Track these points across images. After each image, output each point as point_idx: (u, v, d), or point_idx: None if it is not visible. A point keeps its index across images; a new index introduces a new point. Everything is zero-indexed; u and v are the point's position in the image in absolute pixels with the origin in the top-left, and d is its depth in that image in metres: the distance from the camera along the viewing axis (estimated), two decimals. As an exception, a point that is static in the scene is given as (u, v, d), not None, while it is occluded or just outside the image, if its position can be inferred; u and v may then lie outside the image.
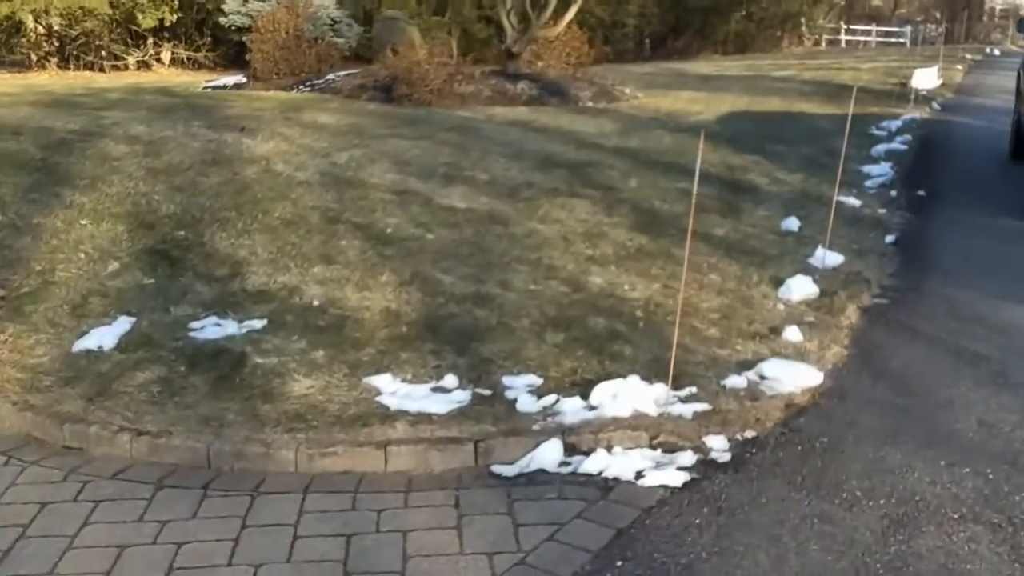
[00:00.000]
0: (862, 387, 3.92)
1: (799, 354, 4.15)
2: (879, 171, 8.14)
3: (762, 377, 3.88)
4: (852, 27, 42.52)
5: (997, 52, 27.09)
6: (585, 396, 3.65)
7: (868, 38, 43.38)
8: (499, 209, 6.11)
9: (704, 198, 6.70)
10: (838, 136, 9.15)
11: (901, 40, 45.22)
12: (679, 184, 7.11)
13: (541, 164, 7.59)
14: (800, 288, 4.86)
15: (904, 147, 9.57)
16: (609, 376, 3.77)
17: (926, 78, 15.14)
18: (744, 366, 3.99)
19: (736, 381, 3.85)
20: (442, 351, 4.03)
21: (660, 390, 3.68)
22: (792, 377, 3.88)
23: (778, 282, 5.00)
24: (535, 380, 3.80)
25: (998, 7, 54.33)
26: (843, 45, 40.93)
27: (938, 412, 3.70)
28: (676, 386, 3.73)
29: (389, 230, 5.56)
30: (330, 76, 14.39)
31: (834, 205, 5.58)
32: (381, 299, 4.55)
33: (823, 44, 39.63)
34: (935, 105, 13.29)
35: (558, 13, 14.16)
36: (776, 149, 8.94)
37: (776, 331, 4.38)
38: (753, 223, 6.27)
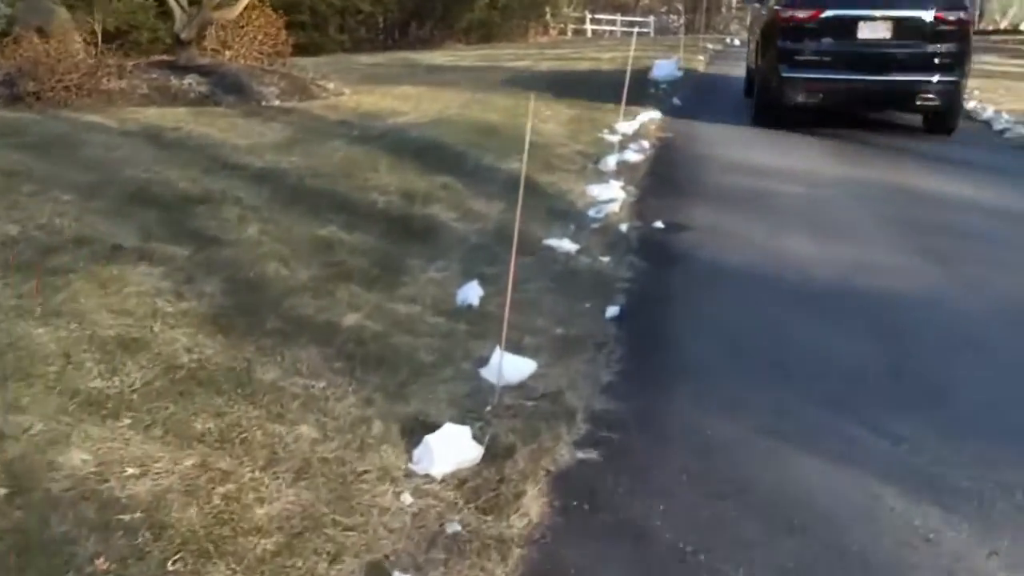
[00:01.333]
0: None
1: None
2: (607, 194, 6.25)
3: None
4: (597, 16, 42.05)
5: (737, 42, 26.71)
6: None
7: (613, 28, 43.10)
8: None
9: (353, 254, 4.52)
10: (562, 145, 7.25)
11: (645, 30, 45.39)
12: (323, 229, 4.89)
13: (128, 200, 5.15)
14: (443, 458, 2.74)
15: (639, 156, 7.82)
16: None
17: (666, 69, 13.74)
18: None
19: None
20: None
21: None
22: None
23: (412, 437, 2.86)
24: None
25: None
26: (589, 34, 40.32)
27: None
28: None
29: None
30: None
31: (513, 263, 3.44)
32: None
33: (569, 33, 38.82)
34: (675, 101, 11.81)
35: (231, -10, 11.66)
36: (480, 165, 6.92)
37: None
38: (414, 295, 4.12)
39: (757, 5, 12.98)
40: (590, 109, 10.47)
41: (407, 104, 10.55)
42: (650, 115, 10.04)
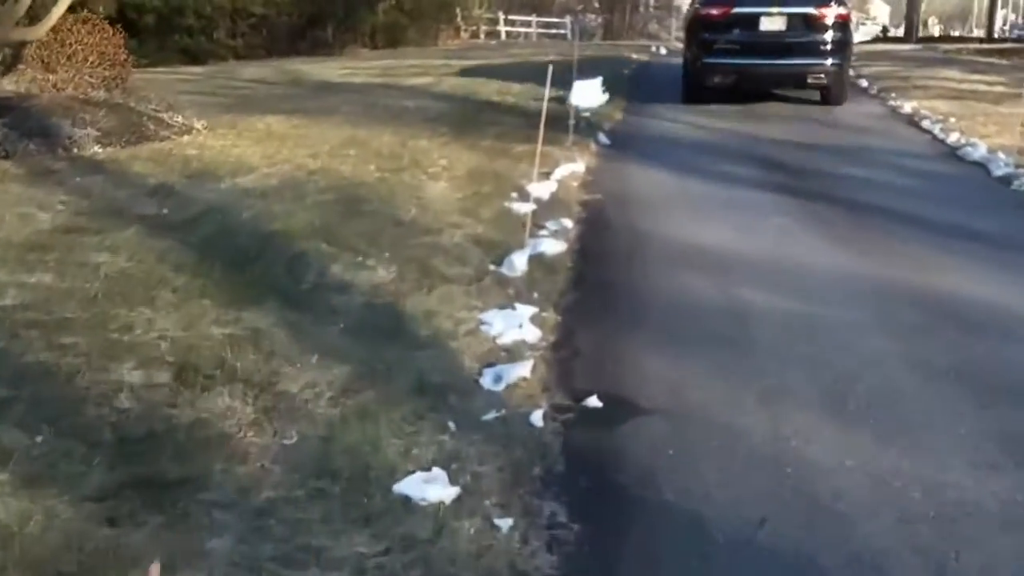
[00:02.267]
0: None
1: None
2: (511, 336, 4.07)
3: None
4: (512, 18, 39.94)
5: (663, 51, 24.22)
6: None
7: (529, 29, 41.07)
8: None
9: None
10: (452, 225, 5.12)
11: (563, 32, 43.46)
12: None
13: None
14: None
15: (559, 246, 5.63)
16: None
17: (588, 93, 11.62)
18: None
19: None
20: None
21: None
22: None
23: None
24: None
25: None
26: (503, 37, 38.18)
27: None
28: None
29: None
30: None
31: None
32: None
33: (482, 36, 36.61)
34: (602, 138, 9.69)
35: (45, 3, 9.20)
36: (324, 279, 4.63)
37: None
38: None
39: (690, 9, 14.59)
40: (496, 153, 8.32)
41: (265, 149, 8.24)
42: (571, 165, 7.90)
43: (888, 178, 7.92)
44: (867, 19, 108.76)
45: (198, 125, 9.82)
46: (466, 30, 35.23)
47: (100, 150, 8.20)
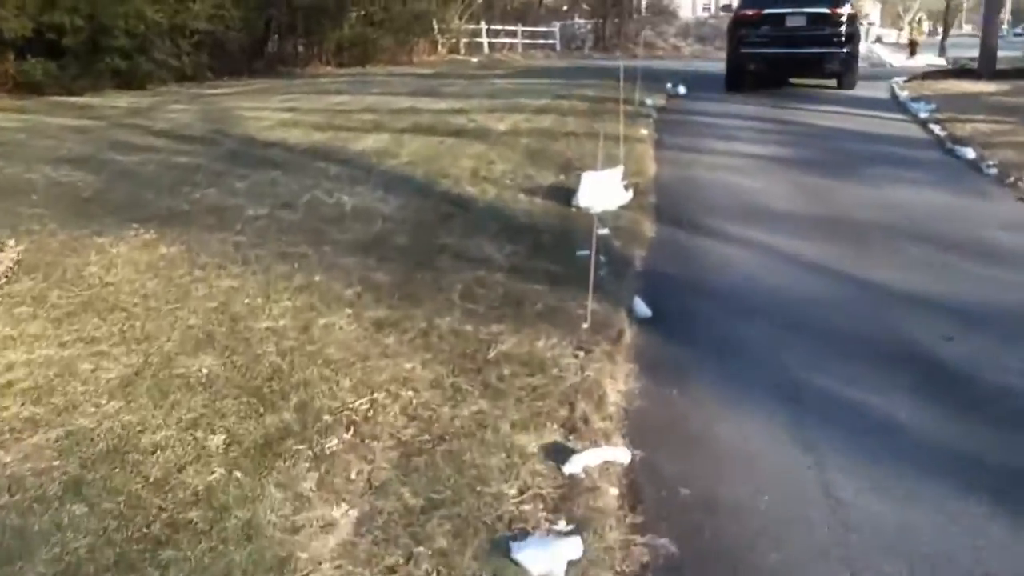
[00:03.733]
0: None
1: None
2: None
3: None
4: (495, 28, 36.27)
5: (682, 89, 16.83)
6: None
7: (514, 40, 37.44)
8: None
9: None
10: None
11: (551, 42, 39.84)
12: None
13: None
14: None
15: None
16: None
17: (603, 188, 7.99)
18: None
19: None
20: None
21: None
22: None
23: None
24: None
25: (645, 2, 50.68)
26: (486, 51, 34.54)
27: None
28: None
29: None
30: None
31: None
32: None
33: (462, 49, 32.94)
34: (639, 307, 5.82)
35: None
36: None
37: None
38: None
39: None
40: (459, 363, 4.70)
41: (47, 362, 4.63)
42: (601, 449, 4.15)
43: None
44: (863, 20, 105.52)
45: (-2, 262, 6.21)
46: (444, 44, 31.53)
47: None
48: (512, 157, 9.68)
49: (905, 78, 18.13)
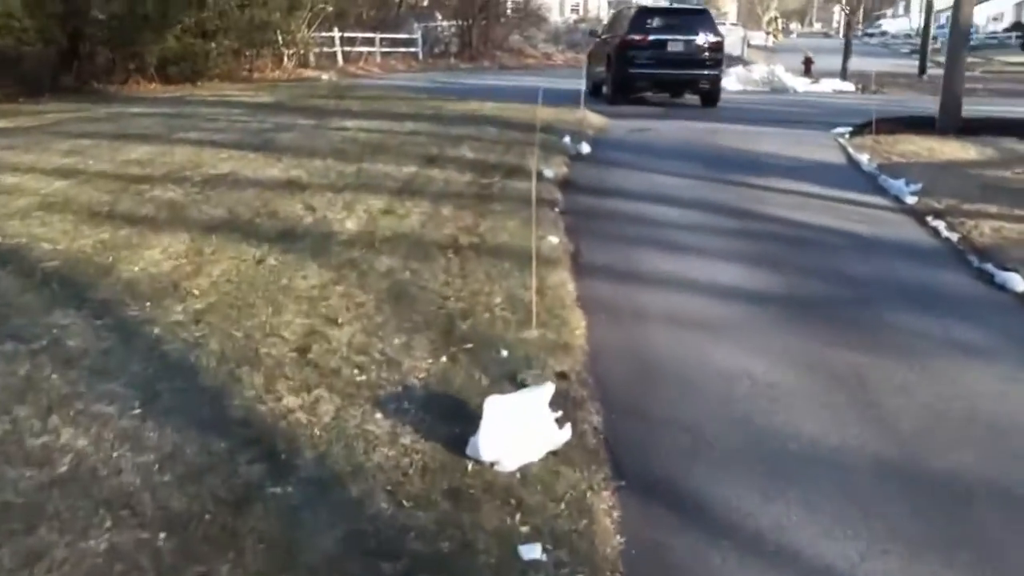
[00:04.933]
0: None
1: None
2: None
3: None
4: (350, 36, 32.52)
5: (586, 148, 12.76)
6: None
7: (372, 48, 33.76)
8: None
9: None
10: None
11: (412, 50, 36.34)
12: None
13: None
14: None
15: None
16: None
17: (519, 424, 4.69)
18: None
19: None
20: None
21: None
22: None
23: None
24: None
25: (511, 1, 47.49)
26: (340, 62, 30.80)
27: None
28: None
29: None
30: None
31: None
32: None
33: (312, 60, 29.07)
34: None
35: None
36: None
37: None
38: None
39: (598, 40, 22.25)
40: None
41: None
42: None
43: None
44: (719, 16, 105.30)
45: None
46: (290, 56, 27.60)
47: None
48: (364, 306, 6.25)
49: (848, 129, 14.97)
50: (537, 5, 45.62)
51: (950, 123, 13.83)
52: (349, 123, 14.77)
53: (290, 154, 11.96)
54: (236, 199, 9.42)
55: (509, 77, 32.00)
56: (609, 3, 69.23)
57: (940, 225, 8.45)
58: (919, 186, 9.79)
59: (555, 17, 52.29)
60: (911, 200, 9.46)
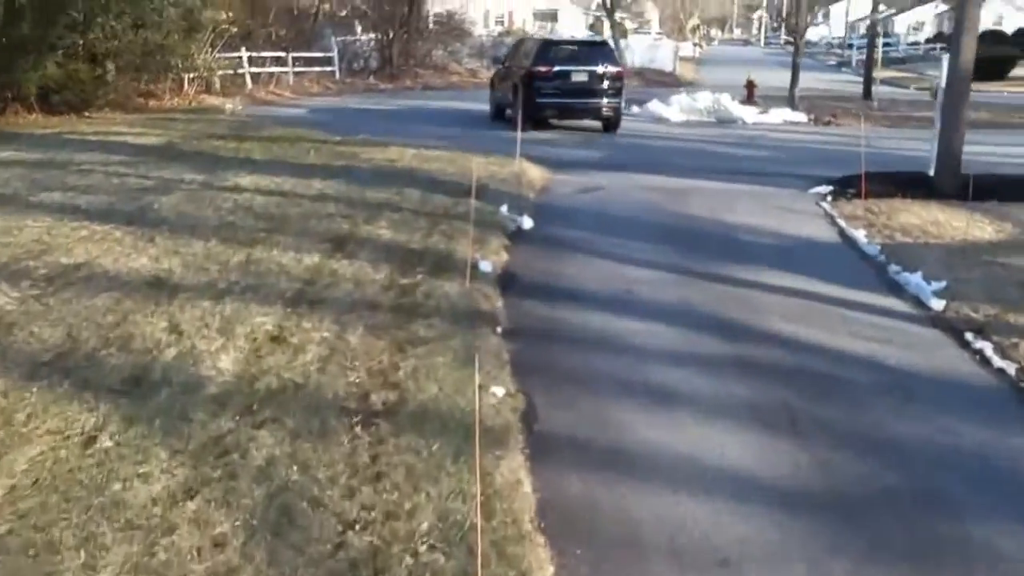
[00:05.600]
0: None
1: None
2: None
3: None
4: (261, 55, 30.16)
5: (527, 223, 10.62)
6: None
7: (284, 69, 31.45)
8: None
9: None
10: None
11: (329, 69, 34.09)
12: None
13: None
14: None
15: None
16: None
17: None
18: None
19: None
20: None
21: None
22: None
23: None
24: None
25: (432, 13, 45.33)
26: (249, 86, 28.46)
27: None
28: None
29: None
30: None
31: None
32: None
33: (217, 84, 26.65)
34: None
35: None
36: None
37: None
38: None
39: (502, 67, 22.47)
40: None
41: None
42: None
43: None
44: (643, 25, 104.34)
45: None
46: (192, 82, 25.13)
47: None
48: (223, 548, 4.25)
49: (828, 188, 12.90)
50: (460, 18, 43.55)
51: (949, 184, 12.09)
52: (245, 180, 12.57)
53: (166, 230, 9.78)
54: (83, 312, 7.25)
55: (434, 99, 29.95)
56: (535, 15, 67.60)
57: (986, 348, 6.66)
58: (943, 284, 8.00)
59: (480, 30, 50.32)
60: (937, 305, 7.66)
